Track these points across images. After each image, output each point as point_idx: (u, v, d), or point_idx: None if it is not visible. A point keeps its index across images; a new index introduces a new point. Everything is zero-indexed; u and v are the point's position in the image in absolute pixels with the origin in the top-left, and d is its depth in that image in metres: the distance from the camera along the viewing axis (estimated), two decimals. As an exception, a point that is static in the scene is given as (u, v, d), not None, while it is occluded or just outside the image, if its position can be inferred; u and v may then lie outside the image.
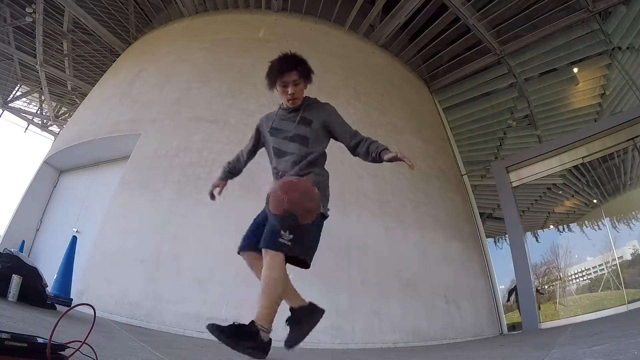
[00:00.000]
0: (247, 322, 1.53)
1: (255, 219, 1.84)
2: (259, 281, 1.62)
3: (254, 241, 1.68)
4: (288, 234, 1.55)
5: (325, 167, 1.94)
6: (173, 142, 4.13)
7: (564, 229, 8.50)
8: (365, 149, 1.79)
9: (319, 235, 1.74)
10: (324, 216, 1.76)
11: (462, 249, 4.90)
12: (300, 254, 1.62)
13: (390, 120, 5.23)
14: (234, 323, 1.51)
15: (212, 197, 2.09)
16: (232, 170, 2.16)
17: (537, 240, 7.82)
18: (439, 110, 6.76)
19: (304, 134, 1.83)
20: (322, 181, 1.81)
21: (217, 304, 3.14)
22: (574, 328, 3.47)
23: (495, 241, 7.11)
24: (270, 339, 1.56)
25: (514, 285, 5.62)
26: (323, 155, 1.91)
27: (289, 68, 1.79)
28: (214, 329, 1.47)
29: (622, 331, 1.85)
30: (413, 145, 5.29)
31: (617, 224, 6.94)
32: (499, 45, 6.00)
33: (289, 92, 1.80)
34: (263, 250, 1.58)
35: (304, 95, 1.91)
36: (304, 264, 1.68)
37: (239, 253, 1.79)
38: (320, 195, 1.66)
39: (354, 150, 1.87)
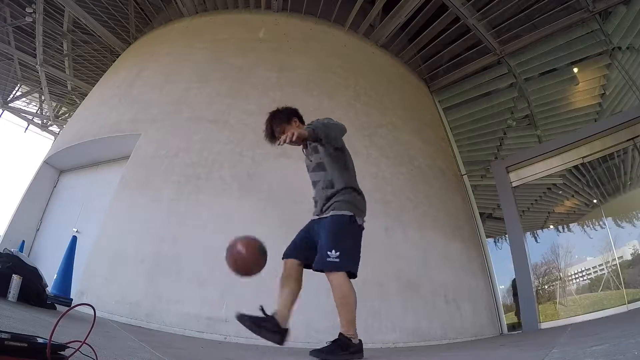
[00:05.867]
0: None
1: (301, 231, 2.02)
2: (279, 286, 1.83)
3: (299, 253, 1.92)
4: (334, 252, 1.73)
5: None
6: (173, 142, 4.12)
7: (564, 229, 8.49)
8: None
9: (359, 245, 1.92)
10: (361, 228, 1.96)
11: (462, 249, 4.90)
12: (347, 268, 1.77)
13: (390, 120, 5.22)
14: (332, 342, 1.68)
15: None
16: None
17: (536, 240, 7.81)
18: (439, 110, 6.76)
19: (318, 160, 2.01)
20: (350, 200, 1.94)
21: (217, 304, 3.13)
22: (574, 328, 3.47)
23: (495, 241, 7.09)
24: (361, 341, 1.77)
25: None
26: (344, 170, 2.00)
27: (269, 133, 2.07)
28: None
29: (622, 331, 1.85)
30: (413, 145, 5.28)
31: (617, 224, 6.93)
32: (499, 45, 6.00)
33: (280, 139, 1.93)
34: (325, 273, 1.76)
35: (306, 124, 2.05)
36: (352, 275, 1.82)
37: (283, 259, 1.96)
38: (354, 209, 1.91)
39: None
